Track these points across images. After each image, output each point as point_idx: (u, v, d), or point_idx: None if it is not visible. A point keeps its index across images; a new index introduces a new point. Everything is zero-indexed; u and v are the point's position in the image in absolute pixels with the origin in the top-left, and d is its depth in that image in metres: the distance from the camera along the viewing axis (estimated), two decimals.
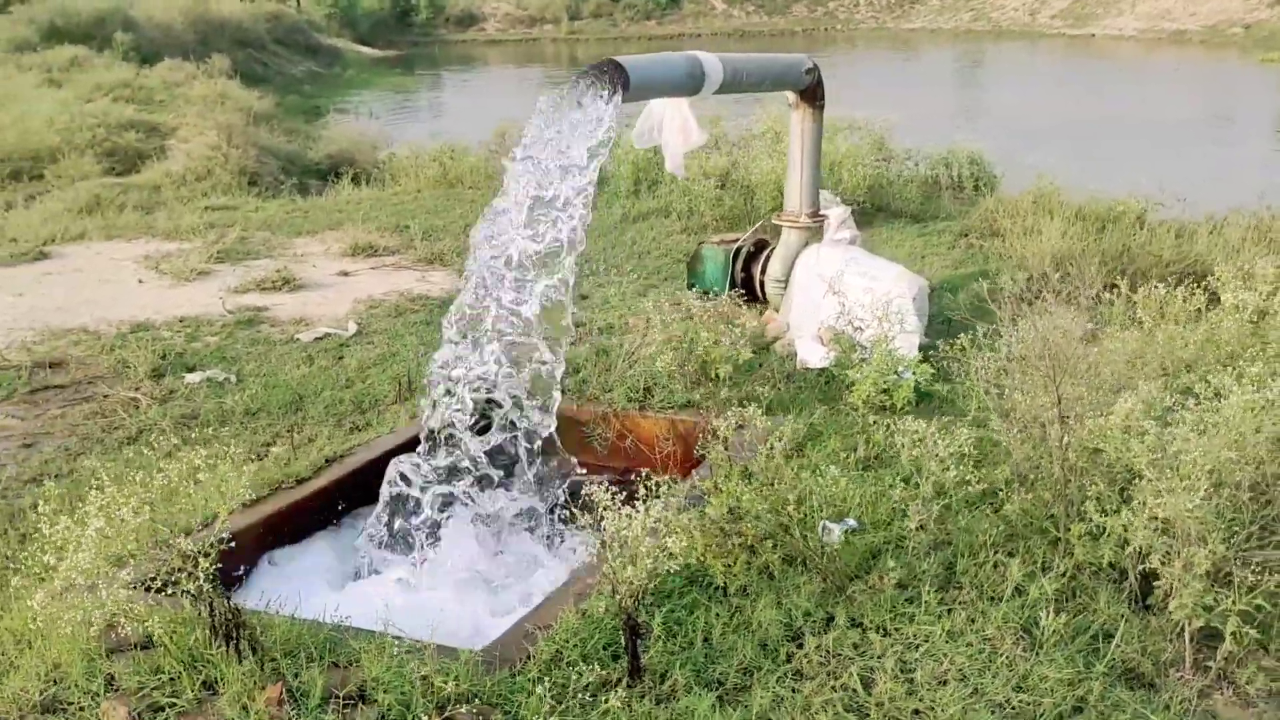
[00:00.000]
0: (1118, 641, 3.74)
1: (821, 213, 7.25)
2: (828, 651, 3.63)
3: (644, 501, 3.25)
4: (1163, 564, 3.69)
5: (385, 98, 32.11)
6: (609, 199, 11.02)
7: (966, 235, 9.61)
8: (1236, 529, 3.70)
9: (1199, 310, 4.86)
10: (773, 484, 3.97)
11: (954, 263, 8.87)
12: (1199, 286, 4.91)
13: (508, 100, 25.80)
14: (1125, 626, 3.85)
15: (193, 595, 3.16)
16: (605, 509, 3.25)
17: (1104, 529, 3.89)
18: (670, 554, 3.12)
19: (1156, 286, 4.77)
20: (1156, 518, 3.62)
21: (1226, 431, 3.62)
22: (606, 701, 3.19)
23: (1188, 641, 3.77)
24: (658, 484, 3.43)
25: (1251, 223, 9.24)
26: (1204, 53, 43.70)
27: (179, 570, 3.13)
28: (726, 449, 4.13)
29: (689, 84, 5.42)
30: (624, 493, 3.39)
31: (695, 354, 5.89)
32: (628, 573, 3.12)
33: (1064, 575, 4.09)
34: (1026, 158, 12.05)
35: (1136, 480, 3.75)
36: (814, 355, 6.15)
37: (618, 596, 3.27)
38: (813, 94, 6.49)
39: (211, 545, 3.25)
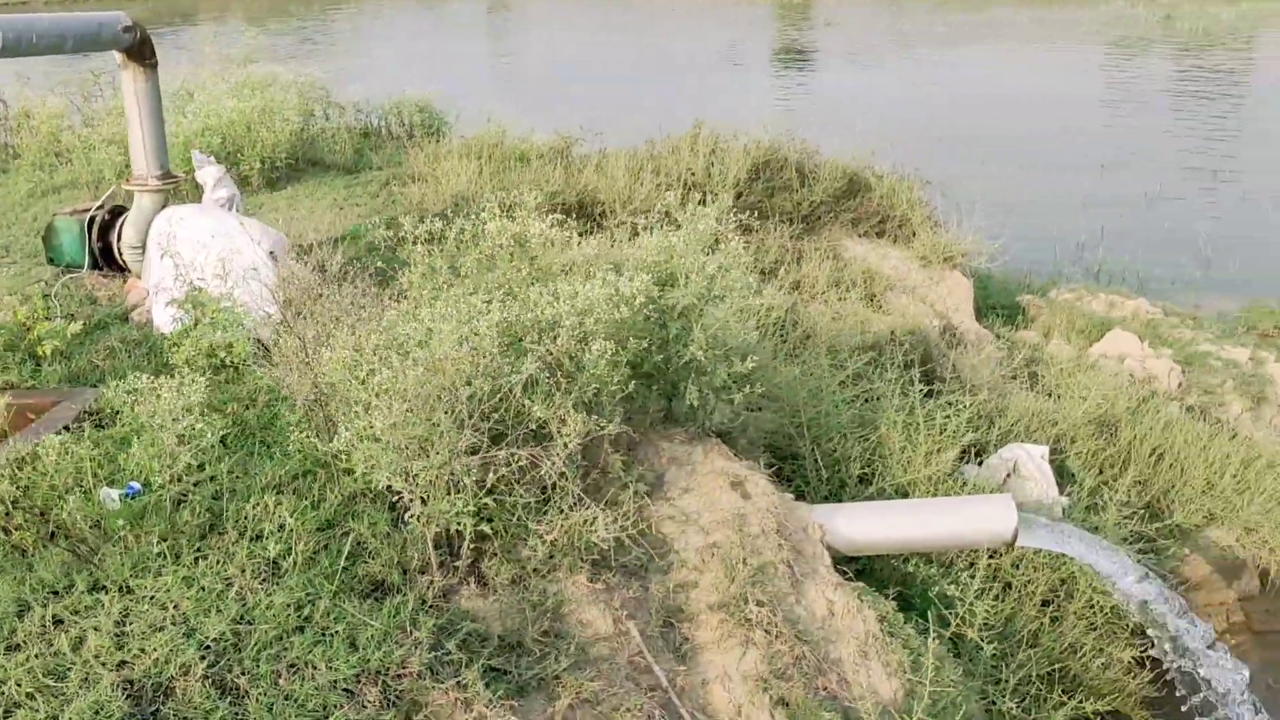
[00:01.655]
0: (361, 558, 4.03)
1: (197, 174, 7.11)
2: (52, 620, 3.61)
3: None
4: (392, 480, 3.99)
5: None
6: (13, 175, 10.16)
7: (389, 184, 9.80)
8: (455, 440, 4.04)
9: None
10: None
11: (373, 210, 9.03)
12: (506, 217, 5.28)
13: None
14: (378, 544, 4.13)
15: None
16: None
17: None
18: None
19: (434, 220, 5.07)
20: (368, 437, 3.90)
21: (427, 353, 3.94)
22: None
23: (431, 547, 4.12)
24: None
25: (648, 152, 10.17)
26: None
27: None
28: None
29: None
30: None
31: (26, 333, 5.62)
32: None
33: (338, 505, 4.33)
34: (495, 104, 12.41)
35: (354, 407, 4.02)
36: (165, 320, 6.04)
37: None
38: (140, 52, 6.27)
39: None
